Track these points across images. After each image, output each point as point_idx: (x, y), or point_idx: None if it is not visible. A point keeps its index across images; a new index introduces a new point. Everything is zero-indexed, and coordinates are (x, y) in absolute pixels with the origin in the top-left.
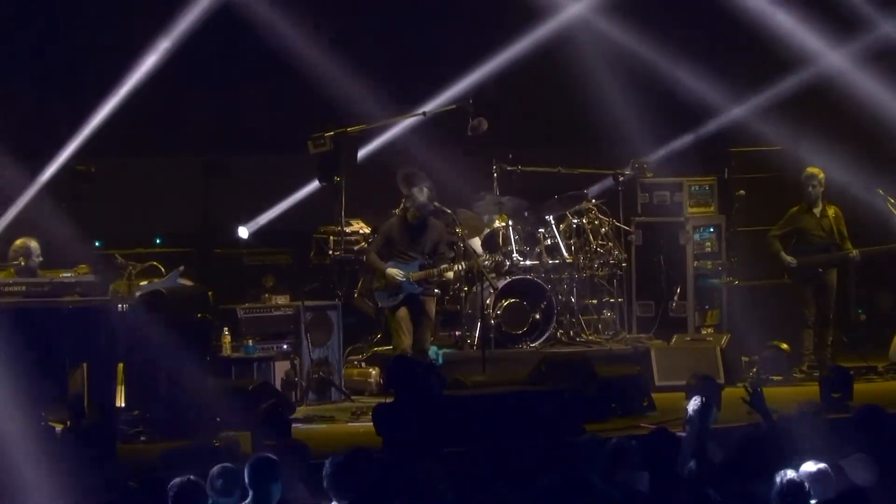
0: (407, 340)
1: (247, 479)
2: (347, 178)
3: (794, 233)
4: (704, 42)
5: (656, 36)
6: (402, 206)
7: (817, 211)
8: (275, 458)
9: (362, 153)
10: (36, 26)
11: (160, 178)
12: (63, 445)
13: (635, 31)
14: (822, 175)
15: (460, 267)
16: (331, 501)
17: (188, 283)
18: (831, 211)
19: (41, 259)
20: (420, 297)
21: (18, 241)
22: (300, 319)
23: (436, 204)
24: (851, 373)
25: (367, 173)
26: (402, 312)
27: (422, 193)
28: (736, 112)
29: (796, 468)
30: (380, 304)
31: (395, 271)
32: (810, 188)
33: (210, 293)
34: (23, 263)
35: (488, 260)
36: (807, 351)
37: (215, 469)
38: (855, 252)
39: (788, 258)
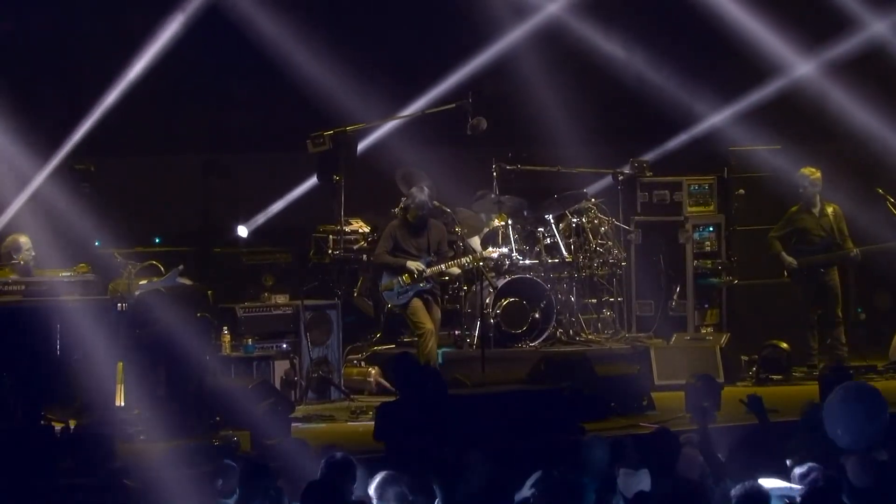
0: (430, 324)
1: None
2: (346, 177)
3: (794, 233)
4: (705, 41)
5: (656, 35)
6: (401, 205)
7: (816, 210)
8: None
9: (361, 149)
10: (35, 25)
11: (160, 177)
12: (63, 445)
13: (635, 30)
14: (815, 175)
15: (468, 260)
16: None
17: (187, 282)
18: (830, 209)
19: (33, 254)
20: (427, 295)
21: (8, 238)
22: (300, 318)
23: (435, 203)
24: (851, 372)
25: (367, 172)
26: (418, 303)
27: (421, 192)
28: (735, 111)
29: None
30: (390, 304)
31: (416, 263)
32: (801, 189)
33: (209, 292)
34: (14, 259)
35: (496, 253)
36: (813, 351)
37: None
38: (856, 251)
39: (789, 259)
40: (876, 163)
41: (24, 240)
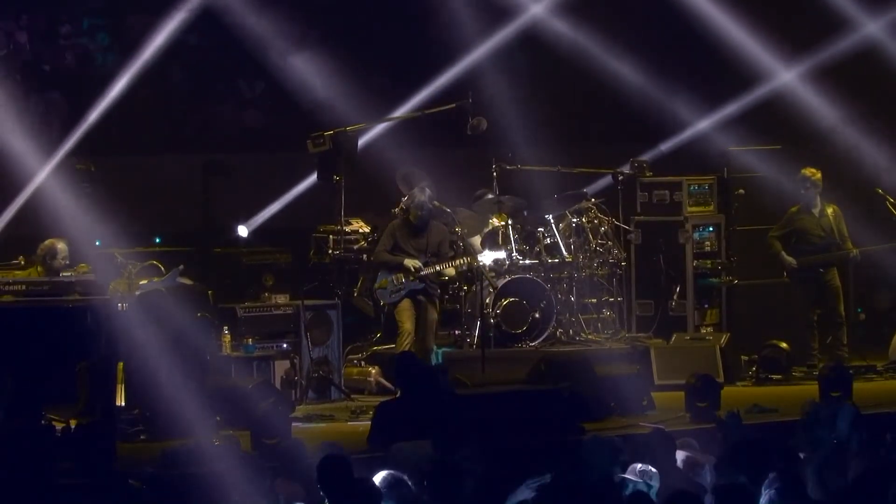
0: (410, 326)
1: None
2: (346, 177)
3: (794, 233)
4: (705, 40)
5: (654, 36)
6: (401, 206)
7: (816, 211)
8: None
9: (361, 149)
10: (37, 24)
11: (160, 177)
12: (63, 445)
13: (635, 30)
14: (816, 176)
15: (463, 262)
16: (325, 500)
17: (188, 282)
18: (830, 210)
19: (67, 262)
20: (421, 296)
21: (47, 242)
22: (300, 318)
23: (435, 203)
24: (851, 371)
25: (367, 172)
26: (406, 303)
27: (422, 193)
28: (734, 112)
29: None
30: (382, 302)
31: (413, 261)
32: (803, 190)
33: (210, 292)
34: (48, 262)
35: (490, 259)
36: (813, 351)
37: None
38: (855, 251)
39: (789, 259)
40: (873, 163)
41: (61, 246)
